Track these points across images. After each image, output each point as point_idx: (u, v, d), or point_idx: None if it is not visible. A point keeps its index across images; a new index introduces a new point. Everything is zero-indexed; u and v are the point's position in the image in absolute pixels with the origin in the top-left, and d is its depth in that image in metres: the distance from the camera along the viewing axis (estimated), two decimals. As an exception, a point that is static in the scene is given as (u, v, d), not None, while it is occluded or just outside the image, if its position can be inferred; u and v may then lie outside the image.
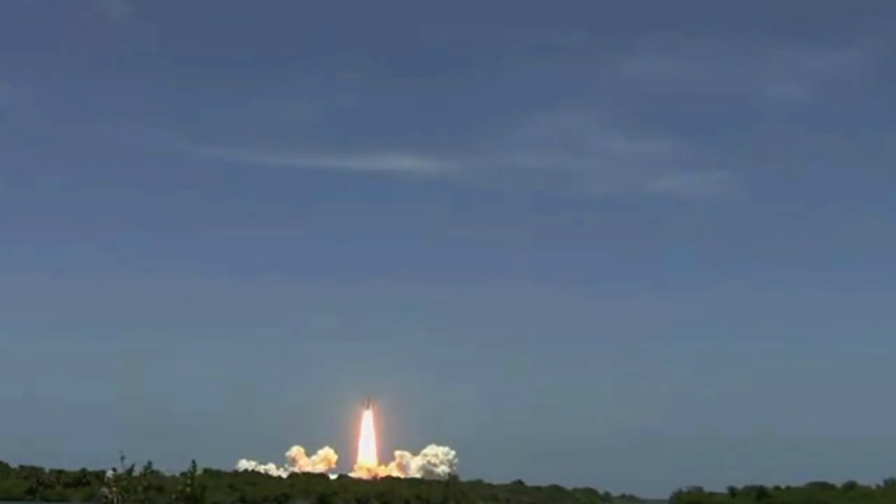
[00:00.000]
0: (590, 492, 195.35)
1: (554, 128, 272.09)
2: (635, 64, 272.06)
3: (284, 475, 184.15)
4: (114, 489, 21.87)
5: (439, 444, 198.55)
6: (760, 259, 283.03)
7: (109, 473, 22.10)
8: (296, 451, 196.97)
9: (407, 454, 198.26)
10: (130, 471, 21.76)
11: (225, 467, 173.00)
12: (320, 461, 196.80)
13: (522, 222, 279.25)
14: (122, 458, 21.78)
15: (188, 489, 21.83)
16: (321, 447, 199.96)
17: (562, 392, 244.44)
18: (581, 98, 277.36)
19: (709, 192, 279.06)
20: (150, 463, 21.76)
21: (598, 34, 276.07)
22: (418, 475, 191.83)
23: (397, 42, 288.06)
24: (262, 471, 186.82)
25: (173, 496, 22.05)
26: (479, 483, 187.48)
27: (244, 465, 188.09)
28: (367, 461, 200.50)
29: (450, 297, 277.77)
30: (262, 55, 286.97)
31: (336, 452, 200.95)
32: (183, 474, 22.44)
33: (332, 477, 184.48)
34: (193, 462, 21.94)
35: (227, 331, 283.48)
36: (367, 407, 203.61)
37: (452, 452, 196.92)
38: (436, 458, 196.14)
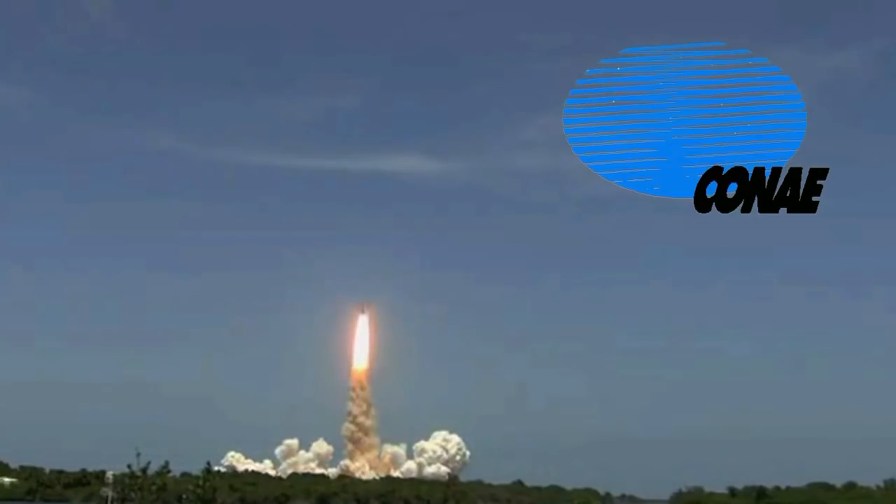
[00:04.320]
0: (590, 492, 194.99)
1: (554, 128, 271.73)
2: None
3: (283, 475, 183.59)
4: (117, 488, 21.64)
5: (438, 439, 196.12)
6: (759, 259, 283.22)
7: (109, 474, 21.91)
8: (287, 444, 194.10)
9: (402, 452, 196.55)
10: (146, 469, 21.41)
11: (213, 457, 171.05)
12: (313, 458, 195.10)
13: (523, 222, 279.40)
14: (138, 454, 21.11)
15: (200, 490, 21.69)
16: (314, 440, 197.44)
17: (563, 392, 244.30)
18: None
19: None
20: (167, 463, 21.40)
21: (598, 34, 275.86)
22: (413, 473, 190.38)
23: (398, 42, 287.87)
24: (259, 468, 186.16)
25: (183, 496, 21.87)
26: (479, 483, 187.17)
27: (233, 458, 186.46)
28: (360, 367, 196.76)
29: (450, 296, 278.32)
30: (263, 55, 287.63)
31: (331, 445, 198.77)
32: (184, 475, 22.35)
33: (331, 472, 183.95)
34: (208, 463, 21.71)
35: (227, 328, 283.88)
36: (363, 312, 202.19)
37: (456, 439, 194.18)
38: (425, 452, 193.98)
